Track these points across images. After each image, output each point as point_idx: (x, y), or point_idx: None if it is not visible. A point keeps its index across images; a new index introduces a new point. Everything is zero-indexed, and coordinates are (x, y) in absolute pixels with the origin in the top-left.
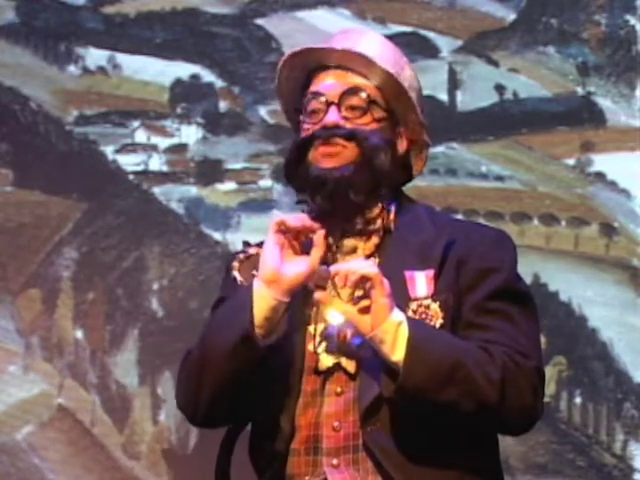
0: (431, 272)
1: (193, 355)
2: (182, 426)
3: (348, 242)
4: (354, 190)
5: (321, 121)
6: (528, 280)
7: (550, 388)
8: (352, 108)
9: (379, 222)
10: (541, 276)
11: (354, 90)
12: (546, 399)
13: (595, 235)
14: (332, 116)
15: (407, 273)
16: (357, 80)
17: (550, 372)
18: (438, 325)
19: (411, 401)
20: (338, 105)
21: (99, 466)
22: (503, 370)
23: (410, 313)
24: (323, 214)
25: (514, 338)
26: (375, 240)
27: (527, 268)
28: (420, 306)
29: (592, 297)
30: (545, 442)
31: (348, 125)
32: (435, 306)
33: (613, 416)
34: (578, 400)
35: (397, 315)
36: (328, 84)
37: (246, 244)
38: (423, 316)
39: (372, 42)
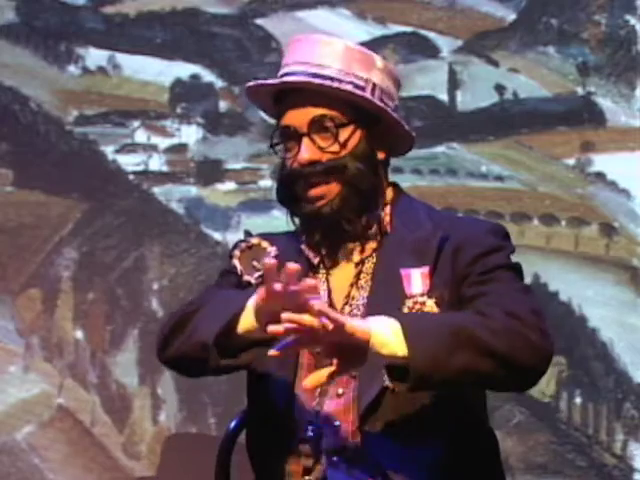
0: (426, 269)
1: (188, 315)
2: (182, 426)
3: (345, 247)
4: (346, 220)
5: (297, 155)
6: (528, 280)
7: (550, 388)
8: (323, 136)
9: (375, 227)
10: (541, 276)
11: (320, 118)
12: (546, 399)
13: (595, 235)
14: (306, 152)
15: (403, 271)
16: (324, 104)
17: (550, 372)
18: None
19: (430, 384)
20: (309, 135)
21: (99, 466)
22: (501, 320)
23: (406, 310)
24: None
25: (508, 294)
26: (372, 244)
27: (527, 268)
28: (416, 303)
29: (592, 297)
30: (545, 442)
31: (324, 158)
32: (431, 302)
33: (613, 416)
34: (578, 400)
35: (374, 324)
36: (296, 115)
37: (247, 234)
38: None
39: (336, 53)
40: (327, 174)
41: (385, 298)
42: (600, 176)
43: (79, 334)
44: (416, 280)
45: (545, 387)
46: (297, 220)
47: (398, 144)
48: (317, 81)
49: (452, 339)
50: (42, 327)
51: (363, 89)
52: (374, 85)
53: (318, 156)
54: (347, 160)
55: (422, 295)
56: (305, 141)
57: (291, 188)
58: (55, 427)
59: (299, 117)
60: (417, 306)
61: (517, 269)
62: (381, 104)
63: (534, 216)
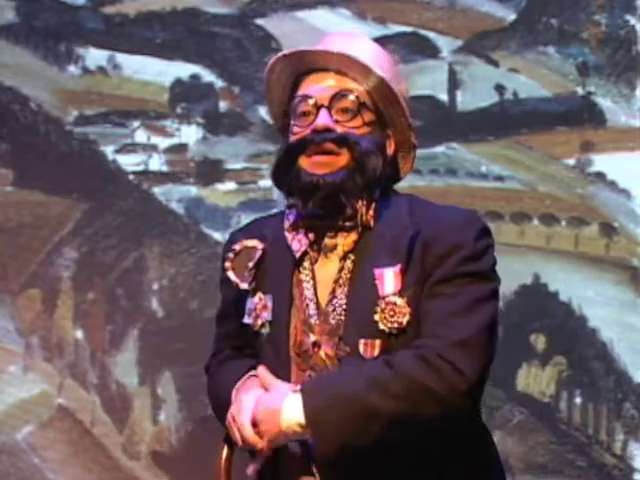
0: (398, 267)
1: (209, 388)
2: (182, 426)
3: (329, 239)
4: (346, 195)
5: (311, 124)
6: (528, 280)
7: (550, 388)
8: (342, 111)
9: (357, 219)
10: (541, 276)
11: (344, 93)
12: (546, 399)
13: (595, 235)
14: (323, 119)
15: (377, 271)
16: (347, 83)
17: (550, 372)
18: (405, 321)
19: (346, 457)
20: (328, 108)
21: (99, 466)
22: (408, 377)
23: (379, 311)
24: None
25: (444, 320)
26: (353, 237)
27: (527, 268)
28: (388, 304)
29: (592, 297)
30: (545, 442)
31: (339, 129)
32: (402, 302)
33: (613, 416)
34: (578, 400)
35: (286, 413)
36: (318, 87)
37: (232, 235)
38: (391, 313)
39: (362, 45)
40: (340, 143)
41: (361, 301)
42: (600, 176)
43: (79, 334)
44: (389, 280)
45: (545, 387)
46: (291, 199)
47: (403, 148)
48: (355, 57)
49: (354, 421)
50: (42, 327)
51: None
52: (396, 82)
53: (333, 126)
54: (361, 137)
55: (394, 295)
56: (323, 111)
57: (295, 157)
58: (55, 427)
59: (322, 89)
60: (389, 306)
61: (478, 273)
62: (403, 102)
63: (534, 216)
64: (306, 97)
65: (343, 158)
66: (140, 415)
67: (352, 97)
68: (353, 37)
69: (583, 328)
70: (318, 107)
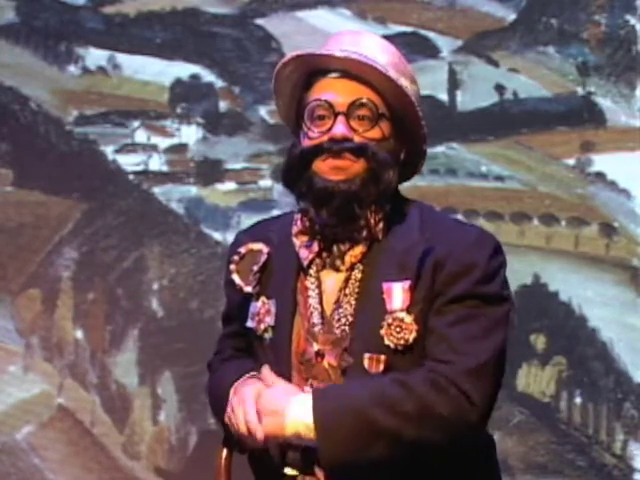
0: (407, 283)
1: (208, 384)
2: (182, 426)
3: (337, 249)
4: (359, 205)
5: (329, 131)
6: (528, 280)
7: (550, 388)
8: (360, 119)
9: (367, 230)
10: (541, 276)
11: (363, 102)
12: (546, 399)
13: (595, 235)
14: (341, 128)
15: (385, 285)
16: (365, 90)
17: (550, 372)
18: (412, 339)
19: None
20: (346, 115)
21: (99, 466)
22: (420, 399)
23: (385, 326)
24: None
25: (458, 347)
26: (362, 248)
27: (527, 268)
28: (395, 319)
29: (592, 297)
30: (545, 442)
31: (356, 138)
32: (409, 319)
33: (613, 416)
34: (578, 400)
35: (294, 411)
36: (336, 93)
37: (238, 237)
38: (397, 329)
39: (378, 49)
40: (357, 152)
41: (368, 314)
42: (600, 176)
43: (79, 334)
44: (397, 295)
45: (545, 387)
46: (302, 203)
47: (413, 154)
48: (379, 67)
49: (359, 436)
50: (42, 327)
51: (406, 89)
52: (413, 90)
53: (351, 135)
54: (378, 147)
55: (402, 311)
56: (341, 119)
57: (309, 162)
58: (55, 427)
59: (340, 95)
60: (396, 322)
61: (489, 296)
62: (419, 110)
63: (534, 216)
64: (324, 101)
65: (359, 166)
66: (140, 415)
67: (372, 107)
68: (370, 39)
69: (583, 328)
70: (336, 113)
